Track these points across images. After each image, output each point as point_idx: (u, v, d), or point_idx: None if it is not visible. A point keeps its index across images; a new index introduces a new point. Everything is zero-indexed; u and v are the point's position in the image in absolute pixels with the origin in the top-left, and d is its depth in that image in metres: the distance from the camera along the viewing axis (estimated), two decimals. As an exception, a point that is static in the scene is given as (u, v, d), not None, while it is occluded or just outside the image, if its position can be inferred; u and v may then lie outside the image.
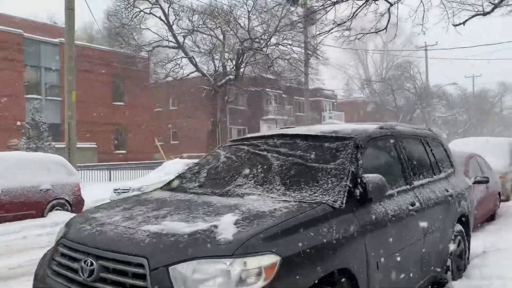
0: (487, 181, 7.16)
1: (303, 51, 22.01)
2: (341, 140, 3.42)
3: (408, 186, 3.75)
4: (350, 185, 2.98)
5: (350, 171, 3.07)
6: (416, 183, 3.89)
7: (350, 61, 65.96)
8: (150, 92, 30.30)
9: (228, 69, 21.37)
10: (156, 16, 20.40)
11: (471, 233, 5.11)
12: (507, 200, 10.45)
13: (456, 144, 12.44)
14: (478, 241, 6.04)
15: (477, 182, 7.15)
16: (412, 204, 3.61)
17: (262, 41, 19.17)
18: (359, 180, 3.01)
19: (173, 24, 20.45)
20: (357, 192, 2.99)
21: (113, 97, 25.70)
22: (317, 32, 14.09)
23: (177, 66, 21.06)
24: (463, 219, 4.82)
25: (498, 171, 10.40)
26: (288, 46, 21.42)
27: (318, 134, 3.58)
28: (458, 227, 4.62)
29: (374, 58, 65.19)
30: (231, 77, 20.59)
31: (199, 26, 20.17)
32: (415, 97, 44.18)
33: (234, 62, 20.42)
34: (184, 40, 20.64)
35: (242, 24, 19.01)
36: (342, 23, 11.73)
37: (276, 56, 20.87)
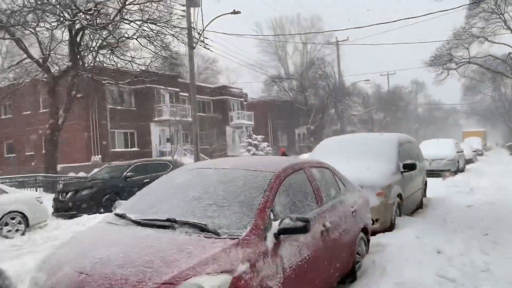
0: (302, 229, 3.20)
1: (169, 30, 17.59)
2: None
3: None
4: None
5: None
6: None
7: (270, 61, 63.47)
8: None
9: (78, 57, 16.37)
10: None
11: None
12: (389, 229, 6.80)
13: (323, 145, 8.71)
14: None
15: (284, 232, 3.20)
16: None
17: (98, 14, 14.46)
18: None
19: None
20: None
21: None
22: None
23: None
24: None
25: (375, 184, 6.76)
26: (154, 26, 16.85)
27: None
28: None
29: (293, 59, 63.09)
30: (70, 64, 15.67)
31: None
32: (326, 94, 41.68)
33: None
34: (9, 19, 15.43)
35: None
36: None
37: (120, 36, 16.12)
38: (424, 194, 9.97)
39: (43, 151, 29.87)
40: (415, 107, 73.74)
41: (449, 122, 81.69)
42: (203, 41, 23.88)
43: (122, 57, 16.96)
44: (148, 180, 13.79)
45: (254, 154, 33.64)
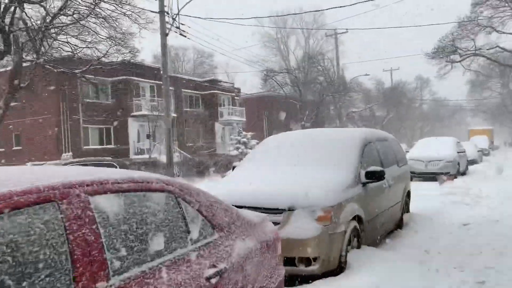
0: None
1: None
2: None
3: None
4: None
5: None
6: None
7: (271, 57, 60.90)
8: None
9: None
10: None
11: None
12: (336, 271, 4.51)
13: (262, 146, 6.43)
14: None
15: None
16: None
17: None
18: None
19: None
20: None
21: None
22: None
23: None
24: None
25: (315, 204, 4.52)
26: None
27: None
28: None
29: (296, 55, 60.60)
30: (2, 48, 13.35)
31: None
32: (322, 88, 39.28)
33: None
34: None
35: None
36: None
37: (55, 13, 13.71)
38: (406, 209, 7.64)
39: (13, 147, 27.96)
40: (420, 104, 70.88)
41: (455, 120, 78.71)
42: (178, 27, 21.71)
43: (63, 40, 14.63)
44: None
45: (242, 152, 31.38)
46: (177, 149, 29.20)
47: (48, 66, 15.67)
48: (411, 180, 14.77)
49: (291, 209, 4.48)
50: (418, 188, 11.46)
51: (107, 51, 16.60)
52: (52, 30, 15.43)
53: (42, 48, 15.35)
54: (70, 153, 25.42)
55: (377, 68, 71.16)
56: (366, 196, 5.32)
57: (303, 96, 40.83)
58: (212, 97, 36.67)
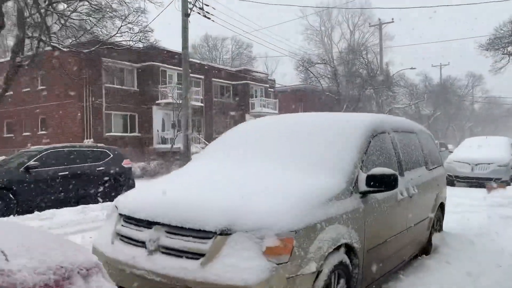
0: None
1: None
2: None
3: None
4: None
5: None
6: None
7: (314, 50, 58.53)
8: None
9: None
10: None
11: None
12: None
13: (234, 133, 4.59)
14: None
15: None
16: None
17: None
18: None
19: None
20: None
21: None
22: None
23: None
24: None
25: (266, 226, 2.70)
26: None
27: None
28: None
29: (340, 47, 58.04)
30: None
31: None
32: (362, 82, 36.75)
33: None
34: None
35: None
36: None
37: None
38: (437, 227, 5.65)
39: (38, 131, 27.62)
40: (471, 103, 66.01)
41: (511, 121, 72.83)
42: (202, 8, 20.25)
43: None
44: (66, 173, 10.33)
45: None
46: (201, 139, 27.88)
47: (55, 45, 14.61)
48: (453, 185, 12.58)
49: (225, 233, 2.73)
50: (458, 196, 9.35)
51: (118, 29, 15.34)
52: (61, 7, 14.32)
53: (47, 25, 14.27)
54: (91, 139, 24.65)
55: (424, 63, 66.70)
56: (366, 213, 3.46)
57: (342, 89, 38.52)
58: (244, 88, 35.09)
